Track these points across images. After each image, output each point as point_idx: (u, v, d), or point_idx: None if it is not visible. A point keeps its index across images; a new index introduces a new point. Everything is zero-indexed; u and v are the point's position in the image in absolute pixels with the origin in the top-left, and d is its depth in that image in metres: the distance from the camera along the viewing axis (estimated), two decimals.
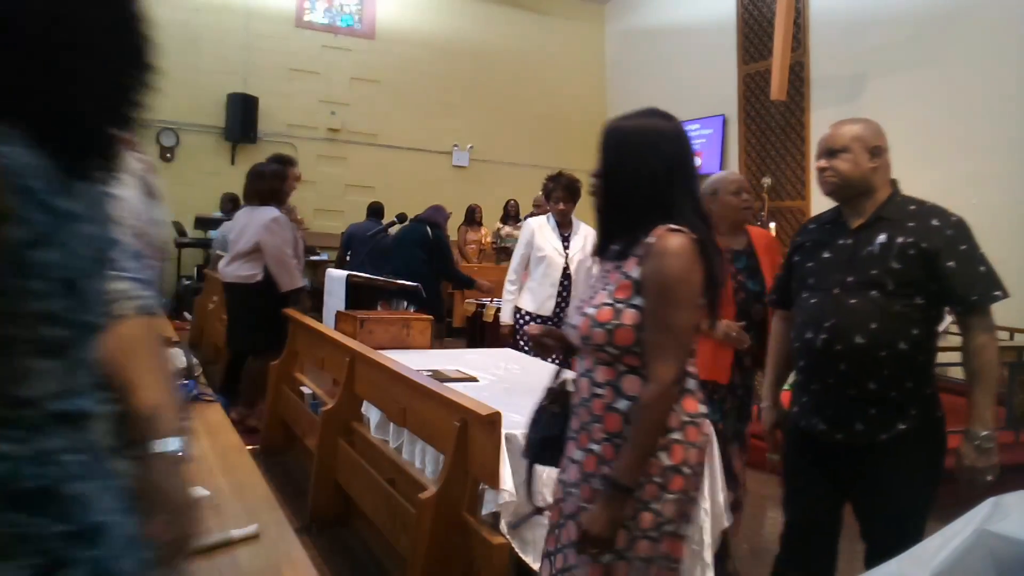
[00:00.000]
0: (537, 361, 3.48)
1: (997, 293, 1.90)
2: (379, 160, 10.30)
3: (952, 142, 6.60)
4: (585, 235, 4.02)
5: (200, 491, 2.34)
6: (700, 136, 9.69)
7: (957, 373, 5.98)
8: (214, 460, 2.70)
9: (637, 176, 1.53)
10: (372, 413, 3.10)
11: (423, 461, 2.58)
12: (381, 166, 10.27)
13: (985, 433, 1.91)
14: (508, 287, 4.11)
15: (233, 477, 2.51)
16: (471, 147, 10.96)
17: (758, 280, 2.79)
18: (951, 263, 1.88)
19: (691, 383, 1.56)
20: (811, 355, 2.01)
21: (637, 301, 1.49)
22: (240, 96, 9.42)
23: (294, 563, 1.90)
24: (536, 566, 2.06)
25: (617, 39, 11.66)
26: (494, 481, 2.01)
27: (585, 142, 12.00)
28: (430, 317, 4.15)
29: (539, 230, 4.05)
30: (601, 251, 1.64)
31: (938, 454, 2.03)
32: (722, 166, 9.22)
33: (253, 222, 4.29)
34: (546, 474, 2.09)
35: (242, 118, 9.39)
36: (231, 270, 4.34)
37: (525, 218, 8.86)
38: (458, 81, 10.76)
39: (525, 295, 4.04)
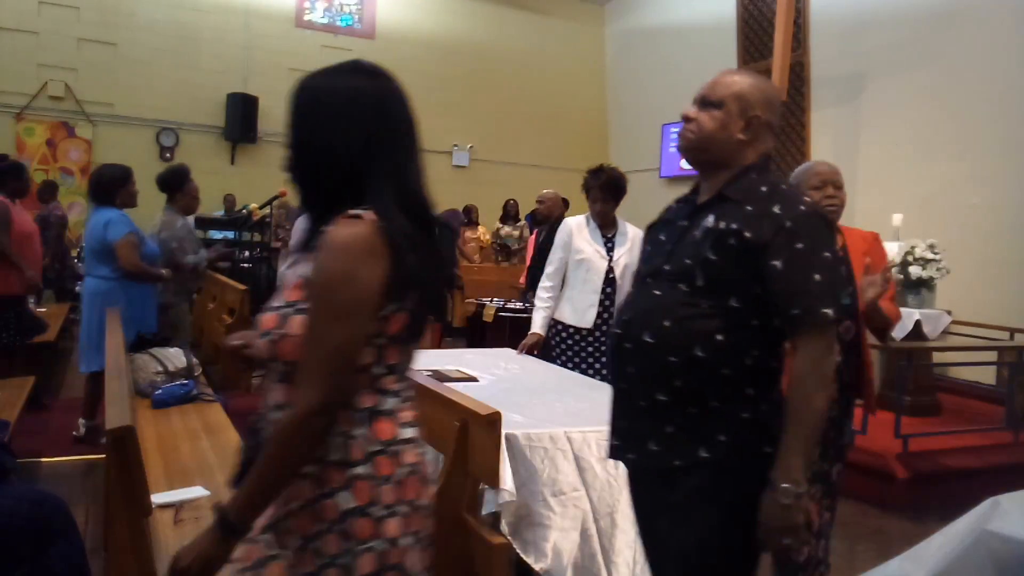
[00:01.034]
0: (537, 361, 3.48)
1: (826, 311, 1.45)
2: None
3: (952, 142, 6.60)
4: (632, 237, 3.57)
5: (200, 491, 2.35)
6: None
7: (958, 373, 6.02)
8: (214, 460, 2.70)
9: (329, 149, 1.27)
10: None
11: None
12: None
13: (786, 487, 1.43)
14: (542, 294, 3.64)
15: None
16: (471, 147, 10.96)
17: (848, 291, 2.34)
18: (777, 262, 1.47)
19: (389, 403, 1.23)
20: (608, 354, 1.71)
21: (305, 305, 1.19)
22: (240, 96, 9.42)
23: None
24: (537, 567, 2.06)
25: (617, 39, 11.65)
26: (494, 481, 2.01)
27: (585, 142, 12.02)
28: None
29: (577, 231, 3.59)
30: (306, 243, 1.29)
31: (743, 501, 1.49)
32: None
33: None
34: None
35: (242, 118, 9.39)
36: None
37: (525, 218, 8.86)
38: (458, 81, 10.76)
39: (564, 305, 3.58)
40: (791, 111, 8.30)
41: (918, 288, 5.09)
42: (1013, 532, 0.98)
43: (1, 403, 3.31)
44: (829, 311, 1.45)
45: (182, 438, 2.96)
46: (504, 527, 2.06)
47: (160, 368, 3.66)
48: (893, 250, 5.19)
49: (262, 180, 8.78)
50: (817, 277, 1.46)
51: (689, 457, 1.51)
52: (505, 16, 11.11)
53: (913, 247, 5.07)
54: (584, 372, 3.46)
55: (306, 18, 10.11)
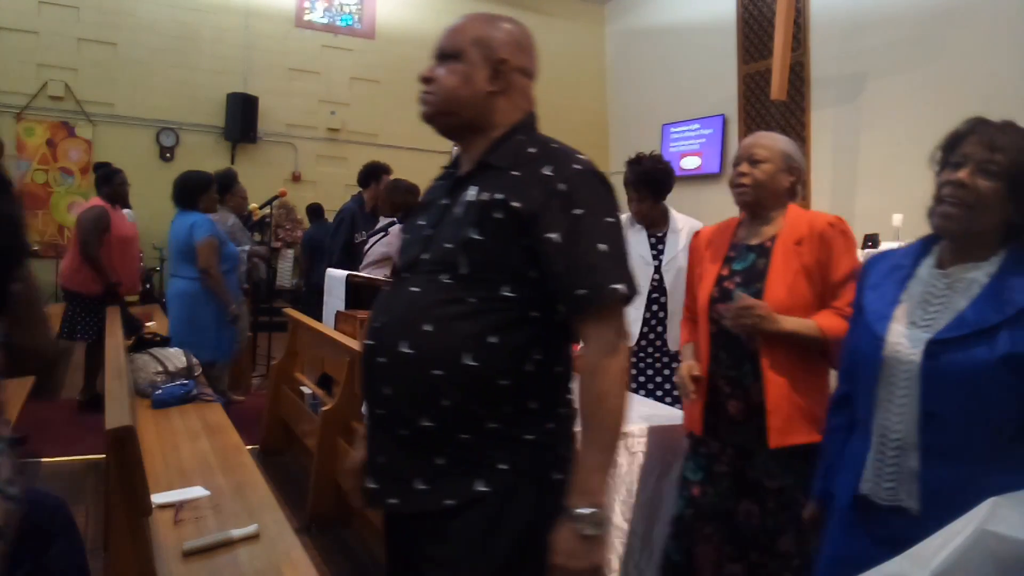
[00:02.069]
0: None
1: (618, 287, 1.18)
2: (379, 160, 10.30)
3: None
4: (687, 230, 3.05)
5: (200, 491, 2.35)
6: (700, 136, 9.69)
7: None
8: (214, 460, 2.70)
9: None
10: None
11: None
12: None
13: (585, 512, 1.15)
14: None
15: (233, 477, 2.51)
16: None
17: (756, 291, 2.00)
18: (553, 235, 1.19)
19: None
20: (361, 373, 1.36)
21: None
22: (240, 96, 9.42)
23: (294, 563, 1.90)
24: None
25: (617, 39, 11.66)
26: None
27: (585, 142, 11.99)
28: None
29: None
30: None
31: (531, 543, 1.20)
32: (722, 166, 9.22)
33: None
34: None
35: (242, 118, 9.39)
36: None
37: None
38: None
39: None
40: (791, 111, 8.30)
41: None
42: (1013, 532, 0.98)
43: None
44: (620, 287, 1.19)
45: (182, 438, 2.96)
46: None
47: (160, 368, 3.66)
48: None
49: (262, 180, 8.78)
50: (602, 248, 1.19)
51: (463, 494, 1.21)
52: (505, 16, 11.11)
53: None
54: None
55: (306, 18, 10.11)
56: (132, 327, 4.72)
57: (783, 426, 1.90)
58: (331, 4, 10.26)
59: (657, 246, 3.09)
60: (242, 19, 9.68)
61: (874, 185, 7.14)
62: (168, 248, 4.37)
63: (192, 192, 4.23)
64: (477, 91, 1.30)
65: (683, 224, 3.13)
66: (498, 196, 1.23)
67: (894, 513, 1.36)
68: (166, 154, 9.35)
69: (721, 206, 9.57)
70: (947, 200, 1.37)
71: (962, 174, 1.37)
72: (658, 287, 3.04)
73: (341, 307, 4.22)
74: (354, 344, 3.27)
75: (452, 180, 1.36)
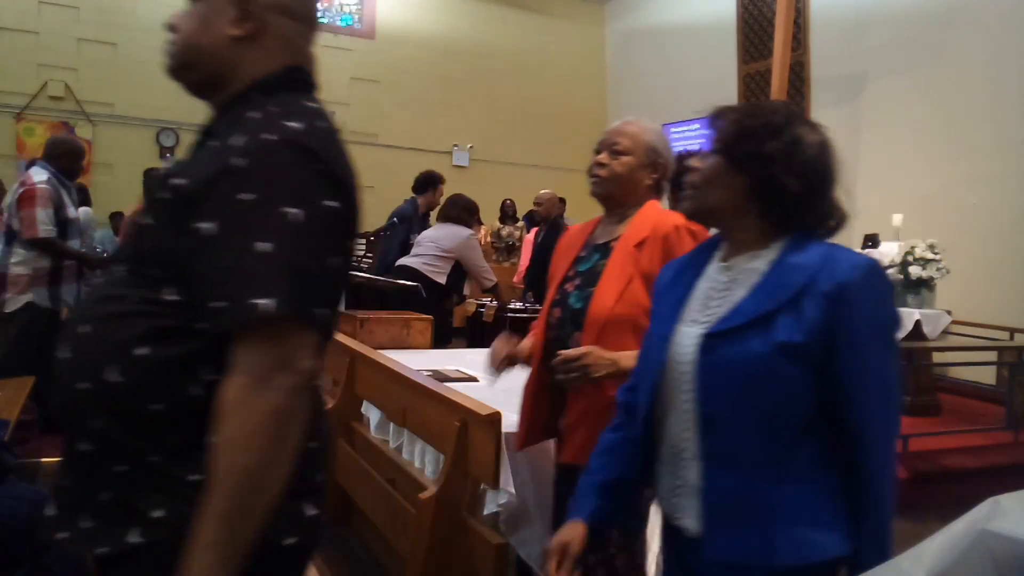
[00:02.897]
0: None
1: (262, 303, 0.87)
2: (379, 160, 10.30)
3: (952, 142, 6.60)
4: None
5: None
6: (700, 136, 9.69)
7: (958, 373, 6.02)
8: None
9: None
10: (372, 413, 3.10)
11: (423, 461, 2.58)
12: (381, 166, 10.27)
13: None
14: None
15: None
16: (471, 147, 10.96)
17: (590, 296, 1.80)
18: (208, 224, 0.91)
19: None
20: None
21: None
22: None
23: None
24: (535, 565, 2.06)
25: (617, 39, 11.66)
26: (494, 481, 2.01)
27: (585, 142, 11.97)
28: (430, 317, 4.14)
29: None
30: None
31: None
32: None
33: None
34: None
35: None
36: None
37: (523, 217, 8.87)
38: (458, 81, 10.76)
39: None
40: None
41: (918, 288, 5.09)
42: (1013, 532, 0.98)
43: (1, 403, 3.31)
44: (265, 303, 0.87)
45: None
46: (502, 527, 2.06)
47: None
48: (893, 250, 5.19)
49: None
50: (261, 248, 0.88)
51: (115, 543, 0.95)
52: (505, 16, 11.11)
53: (913, 247, 5.07)
54: None
55: None
56: None
57: (584, 444, 1.64)
58: (331, 4, 10.26)
59: None
60: None
61: (874, 185, 7.13)
62: None
63: None
64: (218, 37, 1.03)
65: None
66: (171, 170, 0.99)
67: (682, 532, 1.26)
68: (166, 154, 9.35)
69: None
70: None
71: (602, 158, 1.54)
72: None
73: (341, 307, 4.23)
74: (354, 344, 3.27)
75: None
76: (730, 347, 1.19)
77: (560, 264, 1.95)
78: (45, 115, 8.85)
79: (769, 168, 1.21)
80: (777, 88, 7.62)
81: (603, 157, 1.90)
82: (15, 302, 3.83)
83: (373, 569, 2.87)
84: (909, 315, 4.94)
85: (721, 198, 1.25)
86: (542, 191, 5.36)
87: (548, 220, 5.14)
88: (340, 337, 3.47)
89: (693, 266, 1.36)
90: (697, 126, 9.91)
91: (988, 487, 1.81)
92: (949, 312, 5.18)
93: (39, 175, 4.00)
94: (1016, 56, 6.18)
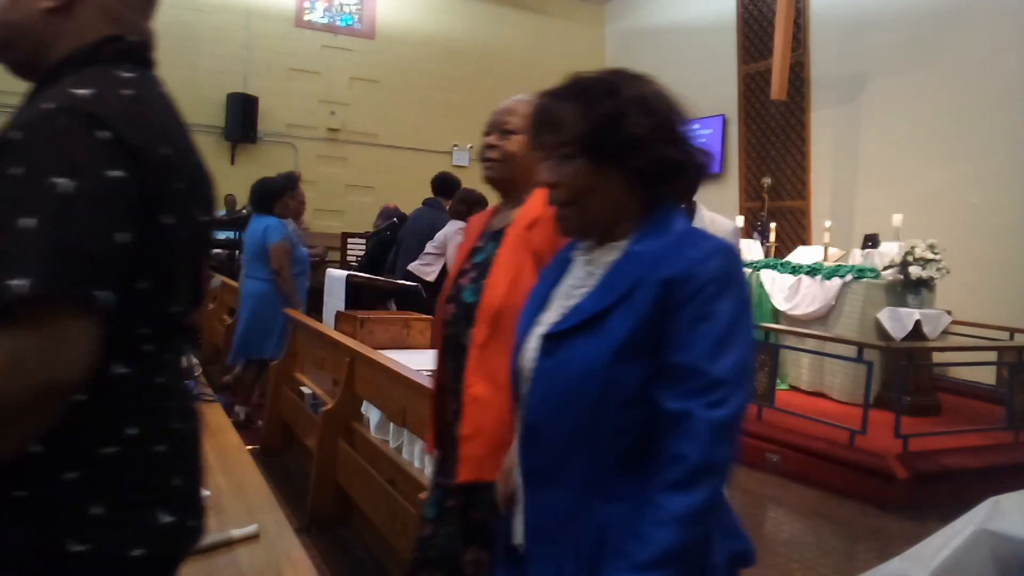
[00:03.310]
0: None
1: (17, 283, 0.77)
2: (379, 160, 10.31)
3: (952, 142, 6.61)
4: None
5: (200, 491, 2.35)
6: (700, 136, 9.70)
7: (958, 373, 6.02)
8: (214, 460, 2.70)
9: None
10: (372, 413, 3.10)
11: (423, 461, 2.58)
12: (381, 166, 10.28)
13: None
14: None
15: (233, 477, 2.51)
16: (471, 147, 10.96)
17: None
18: None
19: None
20: None
21: None
22: (240, 96, 9.42)
23: (294, 563, 1.90)
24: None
25: (617, 39, 11.66)
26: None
27: None
28: (430, 317, 4.14)
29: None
30: None
31: None
32: (722, 166, 9.23)
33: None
34: None
35: (242, 118, 9.39)
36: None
37: None
38: (458, 81, 10.76)
39: None
40: (791, 111, 8.30)
41: (918, 288, 5.09)
42: (1013, 532, 0.98)
43: None
44: (20, 283, 0.77)
45: None
46: None
47: None
48: (893, 250, 5.19)
49: None
50: (25, 224, 0.79)
51: None
52: (505, 16, 11.12)
53: (913, 247, 5.07)
54: None
55: (306, 18, 10.11)
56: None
57: (483, 455, 1.48)
58: (331, 4, 10.26)
59: None
60: (242, 19, 9.69)
61: (874, 185, 7.14)
62: (243, 250, 4.65)
63: (268, 197, 4.47)
64: (29, 11, 0.96)
65: (709, 227, 2.45)
66: None
67: (514, 552, 1.16)
68: None
69: (721, 206, 9.59)
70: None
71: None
72: None
73: (341, 307, 4.23)
74: (354, 344, 3.27)
75: None
76: (566, 349, 1.06)
77: (457, 258, 1.77)
78: None
79: (644, 148, 1.07)
80: (777, 88, 7.63)
81: (493, 139, 1.75)
82: None
83: (373, 569, 2.87)
84: (909, 315, 4.94)
85: (603, 204, 1.10)
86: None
87: None
88: (339, 337, 3.47)
89: (561, 261, 1.22)
90: (697, 126, 9.91)
91: (988, 487, 1.80)
92: (949, 312, 5.18)
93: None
94: (1016, 56, 6.18)
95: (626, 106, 1.07)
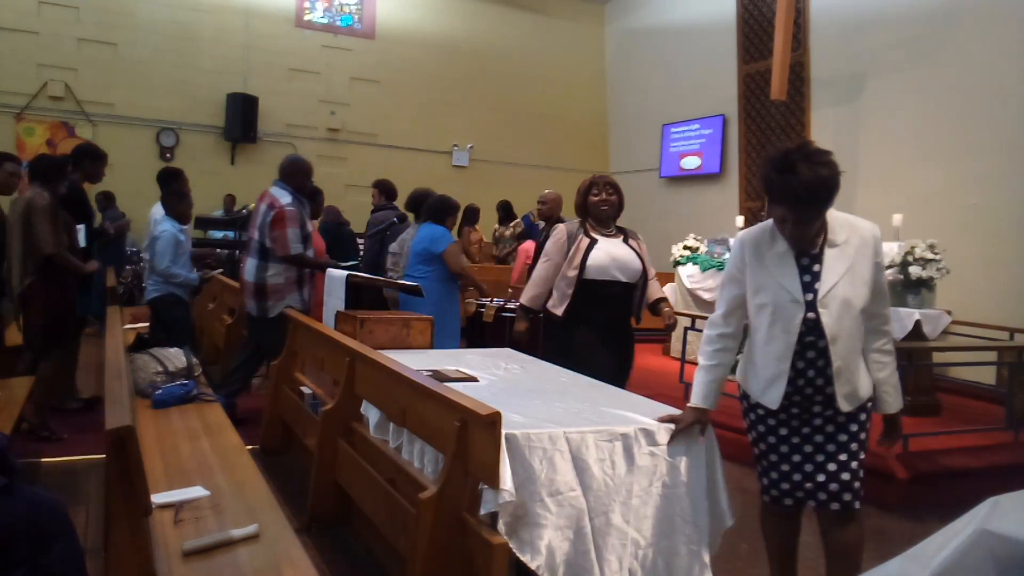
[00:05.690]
0: (537, 361, 3.48)
1: None
2: (379, 160, 10.31)
3: (952, 142, 6.61)
4: (855, 242, 2.16)
5: (200, 491, 2.35)
6: (700, 136, 9.68)
7: (958, 373, 6.01)
8: (214, 460, 2.70)
9: None
10: (372, 413, 3.10)
11: (423, 461, 2.58)
12: (381, 166, 10.27)
13: None
14: (706, 347, 2.31)
15: (233, 477, 2.51)
16: (471, 147, 10.96)
17: None
18: None
19: None
20: None
21: None
22: (240, 96, 9.42)
23: (294, 563, 1.90)
24: (532, 564, 2.06)
25: (617, 39, 11.66)
26: (494, 481, 2.01)
27: (585, 142, 12.02)
28: (430, 317, 4.14)
29: (754, 251, 2.19)
30: None
31: None
32: (722, 166, 9.22)
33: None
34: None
35: (242, 118, 9.40)
36: None
37: (522, 218, 8.84)
38: (458, 81, 10.77)
39: (747, 369, 2.27)
40: (791, 111, 8.30)
41: (918, 288, 5.09)
42: (1013, 532, 0.98)
43: (1, 402, 3.31)
44: None
45: (182, 438, 2.96)
46: (501, 527, 2.06)
47: (160, 368, 3.66)
48: (893, 250, 5.19)
49: (262, 180, 8.74)
50: None
51: None
52: (505, 16, 11.12)
53: (913, 247, 5.07)
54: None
55: (306, 18, 10.11)
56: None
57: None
58: (331, 4, 10.26)
59: (806, 274, 2.13)
60: (242, 19, 9.69)
61: (874, 185, 7.13)
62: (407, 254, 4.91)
63: (443, 212, 4.81)
64: None
65: (855, 229, 2.19)
66: None
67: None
68: (166, 154, 9.35)
69: (721, 206, 9.57)
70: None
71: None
72: (814, 328, 2.11)
73: (341, 307, 4.22)
74: (354, 344, 3.27)
75: None
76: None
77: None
78: (45, 115, 8.85)
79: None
80: (777, 88, 7.63)
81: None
82: (277, 307, 4.49)
83: (373, 569, 2.87)
84: (909, 315, 4.94)
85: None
86: (546, 191, 5.38)
87: (552, 219, 5.14)
88: (339, 337, 3.46)
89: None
90: (697, 126, 9.91)
91: (988, 487, 1.81)
92: (949, 312, 5.18)
93: (284, 197, 4.49)
94: (1016, 56, 6.18)
95: None
